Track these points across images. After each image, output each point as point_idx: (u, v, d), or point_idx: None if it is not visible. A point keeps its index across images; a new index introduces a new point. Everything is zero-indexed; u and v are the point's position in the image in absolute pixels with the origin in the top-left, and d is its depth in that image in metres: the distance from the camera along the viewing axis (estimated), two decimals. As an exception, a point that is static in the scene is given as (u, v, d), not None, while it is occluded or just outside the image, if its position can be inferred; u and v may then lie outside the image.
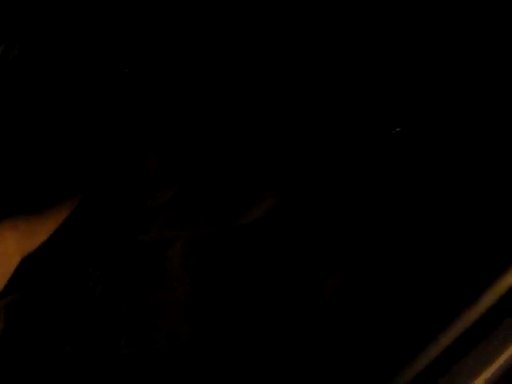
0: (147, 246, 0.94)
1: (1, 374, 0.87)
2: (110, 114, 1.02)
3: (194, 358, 0.87)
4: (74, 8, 1.08)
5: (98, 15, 1.09)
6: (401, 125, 0.93)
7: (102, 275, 0.92)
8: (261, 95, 1.04)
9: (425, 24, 0.97)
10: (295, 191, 0.95)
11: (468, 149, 0.88)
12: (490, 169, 0.85)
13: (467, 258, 0.77)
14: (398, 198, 0.90)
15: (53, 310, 0.91)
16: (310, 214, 0.94)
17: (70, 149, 1.03)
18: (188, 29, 1.08)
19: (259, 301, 0.90)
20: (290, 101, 1.01)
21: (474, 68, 0.93)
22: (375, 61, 0.99)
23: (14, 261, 0.95)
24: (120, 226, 0.96)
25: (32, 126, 1.05)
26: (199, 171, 0.99)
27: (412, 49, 0.97)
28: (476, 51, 0.94)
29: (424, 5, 0.97)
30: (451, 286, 0.74)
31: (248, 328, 0.88)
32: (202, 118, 1.01)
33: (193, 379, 0.86)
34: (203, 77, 1.04)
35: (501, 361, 0.66)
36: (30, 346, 0.89)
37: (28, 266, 0.95)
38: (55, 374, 0.86)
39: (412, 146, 0.92)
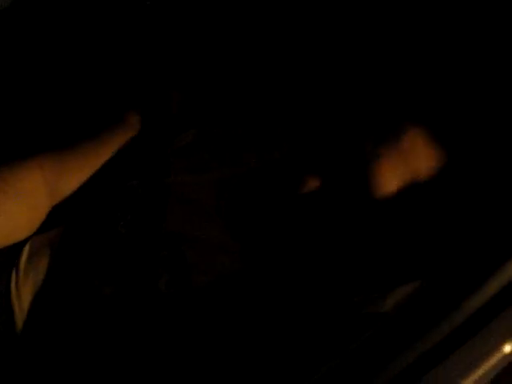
0: (173, 189, 0.97)
1: (45, 311, 0.96)
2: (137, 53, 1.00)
3: (233, 293, 0.92)
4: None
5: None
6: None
7: (130, 220, 0.97)
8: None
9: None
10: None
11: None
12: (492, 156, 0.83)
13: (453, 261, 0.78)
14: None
15: (89, 253, 0.97)
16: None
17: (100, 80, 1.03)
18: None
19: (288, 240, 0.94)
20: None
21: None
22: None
23: (42, 201, 0.99)
24: (146, 169, 0.99)
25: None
26: (217, 113, 0.99)
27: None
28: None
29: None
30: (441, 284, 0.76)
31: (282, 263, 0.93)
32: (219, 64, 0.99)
33: (229, 317, 0.91)
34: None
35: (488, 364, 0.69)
36: (72, 288, 0.96)
37: (62, 207, 1.00)
38: (94, 315, 0.94)
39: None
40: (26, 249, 1.02)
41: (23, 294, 0.97)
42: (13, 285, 0.98)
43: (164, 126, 1.00)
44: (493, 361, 0.67)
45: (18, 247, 1.02)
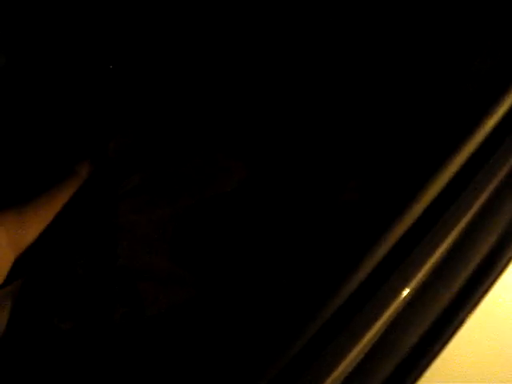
0: (122, 228, 1.05)
1: (8, 353, 1.01)
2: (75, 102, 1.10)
3: (187, 321, 0.99)
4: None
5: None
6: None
7: (86, 261, 1.04)
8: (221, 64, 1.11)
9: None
10: (263, 162, 1.04)
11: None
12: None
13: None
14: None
15: (50, 295, 1.04)
16: (276, 183, 1.04)
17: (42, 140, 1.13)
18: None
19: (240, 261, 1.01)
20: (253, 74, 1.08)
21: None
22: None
23: (6, 255, 1.06)
24: (95, 213, 1.07)
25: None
26: (163, 155, 1.09)
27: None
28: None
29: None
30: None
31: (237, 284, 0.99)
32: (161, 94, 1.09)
33: (185, 343, 0.97)
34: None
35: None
36: (33, 328, 1.03)
37: (23, 257, 1.08)
38: (56, 350, 1.00)
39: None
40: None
41: None
42: None
43: (106, 172, 1.09)
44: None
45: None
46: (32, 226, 1.08)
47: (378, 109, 1.00)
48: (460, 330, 0.72)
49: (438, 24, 1.00)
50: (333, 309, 0.74)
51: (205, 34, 1.14)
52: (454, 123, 0.80)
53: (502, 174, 0.75)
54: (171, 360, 0.97)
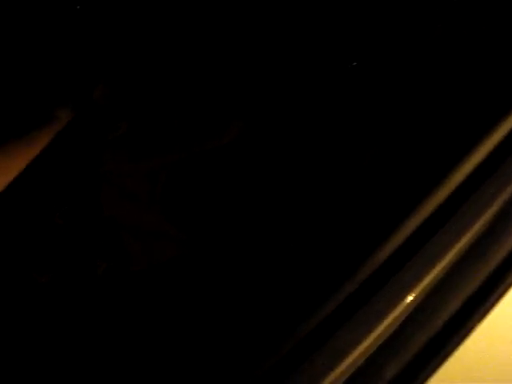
0: (107, 178, 0.99)
1: None
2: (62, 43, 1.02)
3: (173, 277, 0.94)
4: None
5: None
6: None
7: (66, 210, 0.98)
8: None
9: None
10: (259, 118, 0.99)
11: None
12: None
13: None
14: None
15: (26, 244, 0.99)
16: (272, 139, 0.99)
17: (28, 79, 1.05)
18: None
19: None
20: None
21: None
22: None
23: None
24: (80, 160, 1.01)
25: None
26: (153, 104, 1.02)
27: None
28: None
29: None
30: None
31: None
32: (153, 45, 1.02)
33: (170, 303, 0.92)
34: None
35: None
36: (10, 281, 0.97)
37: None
38: (32, 306, 0.96)
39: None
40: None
41: None
42: None
43: (89, 117, 1.03)
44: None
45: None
46: (8, 167, 1.01)
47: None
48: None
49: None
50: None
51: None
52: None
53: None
54: (154, 320, 0.93)
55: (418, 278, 0.71)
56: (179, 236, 0.96)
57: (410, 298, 0.70)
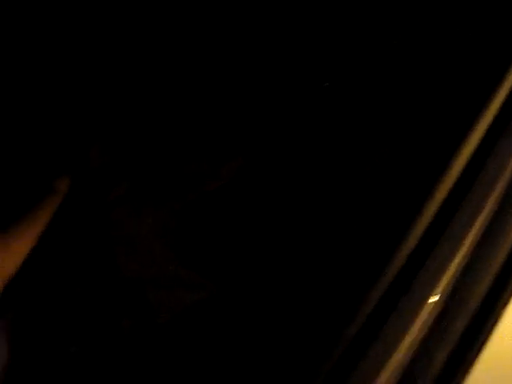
0: (119, 238, 0.99)
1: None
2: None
3: (200, 324, 0.94)
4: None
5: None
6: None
7: (83, 278, 0.97)
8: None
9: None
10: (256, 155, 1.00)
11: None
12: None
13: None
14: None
15: (50, 320, 0.97)
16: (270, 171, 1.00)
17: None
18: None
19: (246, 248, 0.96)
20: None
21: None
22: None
23: None
24: (85, 227, 1.00)
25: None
26: (148, 159, 1.03)
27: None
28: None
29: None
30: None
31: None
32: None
33: (199, 346, 0.93)
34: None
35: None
36: (40, 355, 0.96)
37: (12, 284, 1.00)
38: (64, 374, 0.94)
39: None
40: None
41: None
42: None
43: (88, 183, 1.03)
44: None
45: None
46: (16, 250, 1.01)
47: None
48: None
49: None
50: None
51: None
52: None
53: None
54: (185, 366, 0.93)
55: (448, 259, 0.72)
56: (197, 279, 0.96)
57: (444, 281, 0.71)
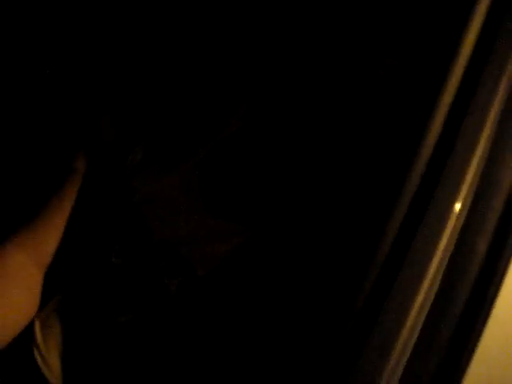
0: (145, 203, 0.99)
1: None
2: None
3: (243, 269, 0.94)
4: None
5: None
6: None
7: (119, 250, 0.98)
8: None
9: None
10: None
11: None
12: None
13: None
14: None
15: (97, 296, 0.99)
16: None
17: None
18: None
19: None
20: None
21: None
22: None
23: (33, 276, 1.02)
24: (110, 200, 1.01)
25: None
26: (160, 119, 1.02)
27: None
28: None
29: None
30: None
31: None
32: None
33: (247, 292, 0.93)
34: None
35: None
36: (91, 330, 0.98)
37: (52, 271, 1.02)
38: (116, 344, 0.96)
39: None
40: (36, 326, 1.03)
41: (51, 361, 0.99)
42: (39, 359, 0.99)
43: (105, 156, 1.03)
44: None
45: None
46: (49, 236, 1.03)
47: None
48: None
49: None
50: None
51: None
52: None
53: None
54: (238, 316, 0.93)
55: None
56: (228, 227, 0.96)
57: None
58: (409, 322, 0.66)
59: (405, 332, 0.66)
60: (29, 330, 1.03)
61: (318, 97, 0.94)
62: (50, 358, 0.99)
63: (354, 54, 0.91)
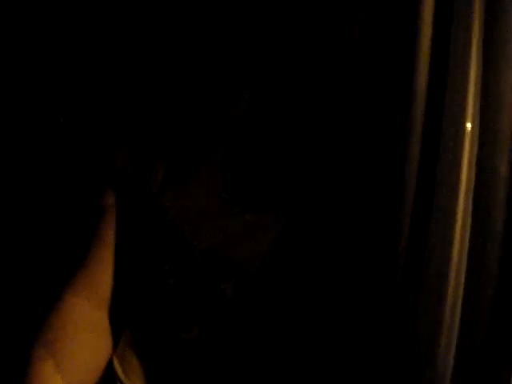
0: (177, 221, 1.00)
1: None
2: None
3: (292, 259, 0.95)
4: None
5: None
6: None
7: (169, 270, 1.00)
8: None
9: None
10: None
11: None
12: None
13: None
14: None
15: (159, 319, 1.01)
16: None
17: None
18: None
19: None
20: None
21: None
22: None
23: (98, 317, 1.05)
24: (147, 225, 1.02)
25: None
26: (171, 130, 1.03)
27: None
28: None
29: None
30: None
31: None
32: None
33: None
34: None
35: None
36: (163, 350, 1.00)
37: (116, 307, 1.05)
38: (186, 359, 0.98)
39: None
40: (116, 363, 1.05)
41: None
42: None
43: (129, 185, 1.04)
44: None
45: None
46: (101, 276, 1.05)
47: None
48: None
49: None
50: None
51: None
52: None
53: None
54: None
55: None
56: (263, 219, 0.96)
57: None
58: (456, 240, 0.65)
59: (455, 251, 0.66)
60: (109, 368, 1.05)
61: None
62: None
63: (324, 11, 0.90)
